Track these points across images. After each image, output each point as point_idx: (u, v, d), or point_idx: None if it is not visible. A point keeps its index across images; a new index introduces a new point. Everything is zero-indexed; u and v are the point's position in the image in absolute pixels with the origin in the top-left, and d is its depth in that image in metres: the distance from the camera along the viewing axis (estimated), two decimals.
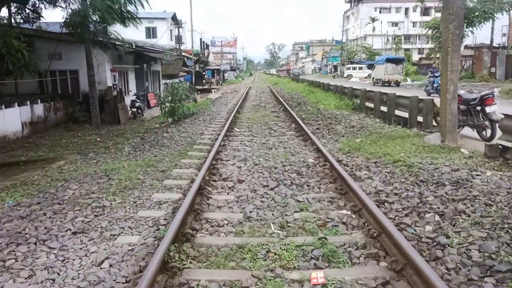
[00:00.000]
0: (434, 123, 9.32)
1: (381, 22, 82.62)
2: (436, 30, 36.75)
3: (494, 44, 45.81)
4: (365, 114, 13.47)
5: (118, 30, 46.08)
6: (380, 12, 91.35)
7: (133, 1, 12.78)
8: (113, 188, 6.09)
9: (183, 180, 6.56)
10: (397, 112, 11.24)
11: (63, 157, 9.89)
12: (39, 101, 15.90)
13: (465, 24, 35.13)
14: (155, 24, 51.52)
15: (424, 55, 73.06)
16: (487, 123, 8.40)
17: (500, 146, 6.36)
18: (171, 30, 53.61)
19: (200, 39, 72.56)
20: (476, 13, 33.29)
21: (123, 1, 12.31)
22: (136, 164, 7.78)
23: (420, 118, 9.76)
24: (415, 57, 77.38)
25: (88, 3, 15.14)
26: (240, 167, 7.38)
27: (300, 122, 12.15)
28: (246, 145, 9.53)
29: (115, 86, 19.54)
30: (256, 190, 5.91)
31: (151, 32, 51.58)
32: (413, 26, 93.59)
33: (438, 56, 56.52)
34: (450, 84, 7.14)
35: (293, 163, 7.42)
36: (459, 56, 7.24)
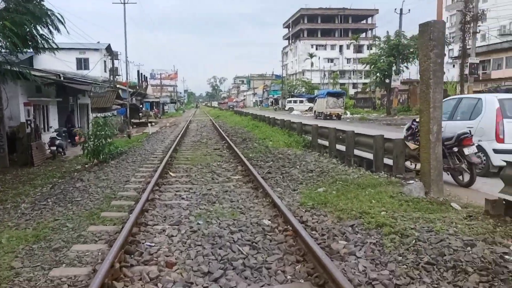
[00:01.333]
0: (407, 168, 8.04)
1: (319, 58, 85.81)
2: (373, 65, 37.77)
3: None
4: (319, 152, 12.08)
5: (45, 60, 42.26)
6: (316, 49, 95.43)
7: (44, 24, 10.45)
8: None
9: (81, 268, 4.39)
10: (357, 152, 9.94)
11: None
12: None
13: (400, 60, 36.57)
14: (87, 55, 48.25)
15: (359, 89, 76.38)
16: (464, 166, 7.38)
17: (503, 202, 5.02)
18: (105, 61, 50.56)
19: (138, 71, 69.82)
20: (411, 50, 34.68)
21: (32, 25, 9.95)
22: (21, 236, 5.44)
23: (387, 161, 8.45)
24: (351, 91, 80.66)
25: None
26: (172, 236, 5.36)
27: (247, 163, 10.40)
28: (183, 198, 7.52)
29: (29, 122, 16.59)
30: (191, 284, 3.94)
31: (82, 63, 48.19)
32: (347, 62, 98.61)
33: (373, 90, 58.89)
34: (433, 123, 5.84)
35: (243, 228, 5.55)
36: (442, 90, 6.00)
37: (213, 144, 17.15)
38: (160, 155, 13.75)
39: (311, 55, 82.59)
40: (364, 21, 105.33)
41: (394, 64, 36.89)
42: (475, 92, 28.27)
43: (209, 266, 4.32)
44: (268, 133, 17.55)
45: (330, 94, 37.35)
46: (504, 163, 5.24)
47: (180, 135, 20.77)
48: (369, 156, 9.33)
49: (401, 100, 41.92)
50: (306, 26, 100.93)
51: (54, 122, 20.41)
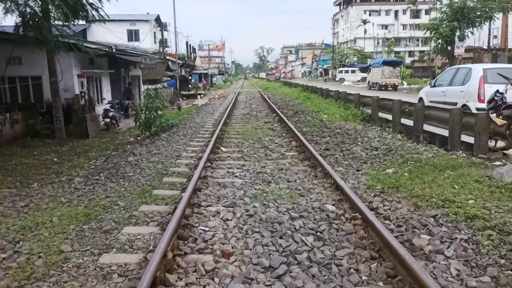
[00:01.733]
0: (491, 146, 7.01)
1: (373, 25, 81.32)
2: (434, 31, 34.79)
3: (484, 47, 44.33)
4: (380, 127, 11.08)
5: (98, 32, 43.33)
6: (369, 15, 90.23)
7: None
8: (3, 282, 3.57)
9: (132, 255, 4.06)
10: (426, 127, 8.89)
11: None
12: None
13: (465, 24, 33.36)
14: (137, 27, 48.86)
15: (417, 58, 71.77)
16: None
17: None
18: (154, 33, 50.98)
19: (187, 42, 70.04)
20: (478, 13, 31.41)
21: None
22: (72, 215, 5.25)
23: (465, 138, 7.40)
24: (407, 60, 76.13)
25: None
26: (227, 220, 4.91)
27: (302, 138, 9.72)
28: (236, 176, 7.06)
29: (83, 94, 16.89)
30: (251, 281, 3.46)
31: (133, 35, 48.95)
32: (403, 29, 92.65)
33: (432, 59, 55.02)
34: None
35: (305, 213, 4.97)
36: None
37: (263, 117, 16.57)
38: (210, 128, 13.41)
39: (364, 21, 78.25)
40: None
41: (458, 30, 33.74)
42: None
43: (270, 259, 3.81)
44: (321, 106, 16.60)
45: (385, 63, 35.23)
46: None
47: (229, 108, 20.38)
48: (441, 131, 8.29)
49: None
50: None
51: (107, 94, 20.77)
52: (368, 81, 39.01)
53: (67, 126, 15.74)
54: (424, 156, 6.99)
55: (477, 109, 9.12)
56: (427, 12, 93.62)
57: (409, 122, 9.66)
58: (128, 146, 12.43)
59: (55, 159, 11.57)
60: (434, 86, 11.86)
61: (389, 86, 34.69)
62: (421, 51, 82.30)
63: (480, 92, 9.41)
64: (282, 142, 10.47)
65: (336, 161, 7.67)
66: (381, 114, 11.64)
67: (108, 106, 18.26)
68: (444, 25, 33.10)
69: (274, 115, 16.88)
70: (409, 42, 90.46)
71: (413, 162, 6.61)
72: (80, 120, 16.16)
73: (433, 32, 35.50)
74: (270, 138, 11.11)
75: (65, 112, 15.58)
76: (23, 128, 15.44)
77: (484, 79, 9.52)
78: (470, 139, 7.20)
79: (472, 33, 35.30)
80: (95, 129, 16.80)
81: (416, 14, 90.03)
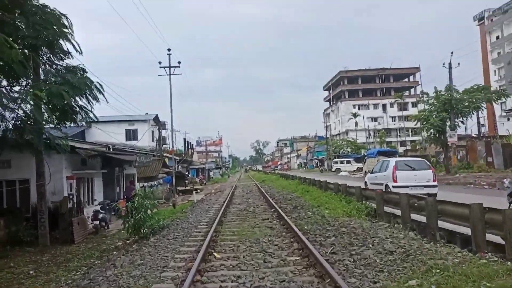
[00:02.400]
0: None
1: (363, 118, 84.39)
2: (425, 121, 35.63)
3: (473, 135, 45.32)
4: (388, 223, 10.21)
5: (97, 133, 44.01)
6: (359, 108, 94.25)
7: (83, 94, 9.99)
8: None
9: None
10: (442, 224, 8.02)
11: None
12: None
13: (454, 115, 34.32)
14: (136, 126, 50.13)
15: (409, 147, 73.07)
16: None
17: None
18: (152, 131, 52.17)
19: (184, 139, 71.56)
20: (466, 103, 32.53)
21: (70, 95, 9.48)
22: None
23: (492, 237, 6.51)
24: (400, 149, 77.46)
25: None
26: None
27: (304, 239, 8.78)
28: None
29: (71, 197, 16.09)
30: None
31: (131, 134, 49.92)
32: (393, 120, 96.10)
33: (424, 147, 55.90)
34: None
35: None
36: None
37: (261, 213, 15.65)
38: (204, 229, 12.41)
39: (355, 115, 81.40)
40: (406, 79, 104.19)
41: (448, 120, 34.64)
42: None
43: None
44: (321, 199, 15.85)
45: (380, 153, 35.45)
46: None
47: (225, 204, 19.52)
48: (461, 229, 7.43)
49: (458, 157, 38.90)
50: (346, 88, 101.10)
51: (99, 195, 19.97)
52: (365, 171, 38.83)
53: (53, 231, 14.73)
54: (449, 261, 6.01)
55: (393, 186, 13.46)
56: (414, 104, 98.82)
57: (420, 218, 8.84)
58: (114, 252, 11.31)
59: (31, 272, 10.45)
60: (372, 173, 16.98)
61: None
62: (412, 141, 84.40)
63: (394, 176, 13.97)
64: (282, 243, 9.47)
65: (346, 269, 6.62)
66: (387, 209, 10.84)
67: (98, 208, 17.38)
68: (434, 116, 34.00)
69: (272, 210, 15.99)
70: (399, 132, 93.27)
71: (438, 271, 5.60)
72: (67, 224, 15.17)
73: (423, 123, 36.36)
74: (269, 238, 10.12)
75: (52, 216, 14.69)
76: (4, 235, 14.36)
77: (396, 167, 14.29)
78: (498, 239, 6.32)
79: (462, 122, 36.20)
80: (82, 233, 15.70)
81: (403, 106, 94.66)
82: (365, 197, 13.12)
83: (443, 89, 34.80)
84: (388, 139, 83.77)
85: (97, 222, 16.52)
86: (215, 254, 8.70)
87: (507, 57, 60.51)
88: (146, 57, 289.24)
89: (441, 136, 35.61)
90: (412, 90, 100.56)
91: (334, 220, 11.19)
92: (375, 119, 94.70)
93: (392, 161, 15.22)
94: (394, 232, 8.91)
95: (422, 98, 38.66)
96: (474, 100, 33.09)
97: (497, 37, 68.68)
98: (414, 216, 9.25)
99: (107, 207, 18.10)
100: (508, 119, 42.53)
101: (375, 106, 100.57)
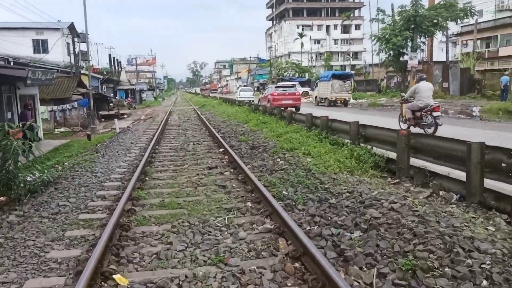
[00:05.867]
0: None
1: (310, 38, 79.78)
2: (385, 41, 31.96)
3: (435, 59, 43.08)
4: (421, 186, 6.23)
5: None
6: (302, 29, 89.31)
7: None
8: None
9: None
10: None
11: None
12: None
13: (418, 34, 30.96)
14: (45, 36, 40.97)
15: (353, 72, 70.90)
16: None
17: None
18: (68, 43, 43.28)
19: (109, 54, 62.21)
20: (434, 21, 29.03)
21: None
22: None
23: None
24: None
25: None
26: None
27: (298, 231, 4.50)
28: None
29: None
30: None
31: (40, 46, 40.90)
32: (335, 43, 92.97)
33: (368, 72, 53.27)
34: None
35: None
36: None
37: (205, 155, 11.10)
38: (112, 192, 7.62)
39: (301, 35, 76.29)
40: (352, 0, 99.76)
41: (410, 40, 31.25)
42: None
43: None
44: (291, 138, 11.28)
45: (335, 76, 31.64)
46: None
47: (155, 138, 14.59)
48: None
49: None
50: (291, 6, 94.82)
51: None
52: (315, 97, 35.27)
53: None
54: None
55: None
56: (357, 27, 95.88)
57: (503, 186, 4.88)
58: None
59: None
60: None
61: (338, 101, 31.15)
62: (352, 65, 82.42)
63: None
64: (255, 232, 5.12)
65: None
66: (414, 159, 6.81)
67: None
68: (397, 35, 30.26)
69: (221, 151, 11.49)
70: (340, 56, 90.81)
71: None
72: None
73: (383, 43, 32.73)
74: (227, 217, 5.71)
75: None
76: None
77: None
78: None
79: (424, 43, 33.09)
80: None
81: (345, 29, 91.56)
82: (364, 138, 8.84)
83: (409, 4, 30.87)
84: (334, 63, 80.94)
85: None
86: (116, 276, 4.08)
87: None
88: None
89: (399, 58, 32.52)
90: (356, 12, 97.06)
91: (331, 180, 6.85)
92: (318, 41, 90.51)
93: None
94: (444, 206, 4.89)
95: (377, 17, 34.71)
96: (440, 18, 29.71)
97: None
98: (490, 182, 5.21)
99: None
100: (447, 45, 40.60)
101: (319, 27, 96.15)
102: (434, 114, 10.51)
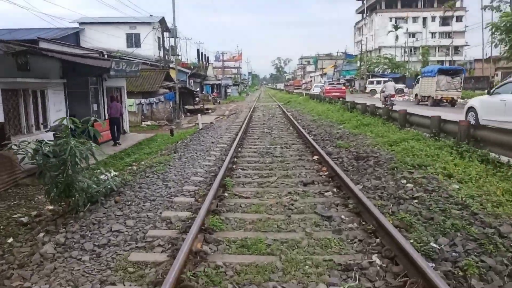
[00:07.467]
0: None
1: (406, 31, 73.51)
2: (507, 31, 26.81)
3: None
4: None
5: (94, 36, 36.41)
6: (396, 22, 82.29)
7: None
8: None
9: None
10: None
11: None
12: None
13: None
14: (138, 30, 42.33)
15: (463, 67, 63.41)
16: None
17: None
18: (159, 37, 44.28)
19: (198, 49, 63.31)
20: None
21: None
22: None
23: None
24: None
25: None
26: None
27: None
28: None
29: None
30: None
31: (133, 40, 42.34)
32: (432, 37, 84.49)
33: (473, 68, 46.63)
34: None
35: None
36: None
37: (296, 165, 8.99)
38: (187, 205, 5.91)
39: (396, 27, 70.33)
40: None
41: None
42: None
43: None
44: (413, 148, 8.39)
45: (442, 71, 27.51)
46: None
47: (238, 137, 12.90)
48: None
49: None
50: None
51: (57, 115, 13.52)
52: (416, 94, 31.19)
53: None
54: None
55: None
56: (459, 18, 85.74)
57: None
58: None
59: None
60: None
61: (445, 100, 26.99)
62: (450, 61, 73.83)
63: None
64: None
65: None
66: None
67: (49, 135, 11.09)
68: None
69: (315, 158, 9.30)
70: (438, 51, 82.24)
71: None
72: None
73: (503, 33, 27.59)
74: (347, 285, 3.56)
75: None
76: None
77: None
78: None
79: None
80: (5, 180, 9.60)
81: (444, 22, 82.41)
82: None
83: None
84: (434, 58, 73.62)
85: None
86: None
87: None
88: None
89: None
90: (458, 3, 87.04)
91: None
92: (412, 34, 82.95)
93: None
94: None
95: (491, 4, 29.32)
96: None
97: None
98: None
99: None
100: None
101: (415, 19, 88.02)
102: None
